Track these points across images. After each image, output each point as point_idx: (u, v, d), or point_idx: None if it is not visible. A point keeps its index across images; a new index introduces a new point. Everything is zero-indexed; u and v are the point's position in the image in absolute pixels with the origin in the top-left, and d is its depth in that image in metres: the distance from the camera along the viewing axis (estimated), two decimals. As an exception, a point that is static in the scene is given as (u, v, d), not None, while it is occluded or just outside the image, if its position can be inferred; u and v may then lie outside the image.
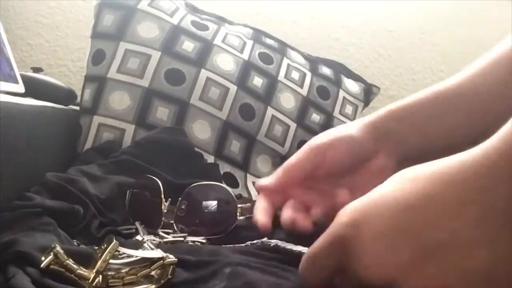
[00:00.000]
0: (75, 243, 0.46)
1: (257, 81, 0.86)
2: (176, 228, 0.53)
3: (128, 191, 0.57)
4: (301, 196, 0.48)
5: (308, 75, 0.93)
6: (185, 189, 0.54)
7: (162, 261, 0.32)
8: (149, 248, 0.36)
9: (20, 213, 0.45)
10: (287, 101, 0.88)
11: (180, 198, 0.53)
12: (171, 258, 0.33)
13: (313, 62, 0.98)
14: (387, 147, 0.46)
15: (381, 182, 0.40)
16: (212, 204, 0.55)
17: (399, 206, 0.27)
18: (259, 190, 0.49)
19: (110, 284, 0.31)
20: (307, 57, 0.99)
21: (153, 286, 0.31)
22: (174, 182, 0.64)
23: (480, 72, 0.44)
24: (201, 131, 0.80)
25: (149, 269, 0.32)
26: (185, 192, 0.54)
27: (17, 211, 0.45)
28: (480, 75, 0.44)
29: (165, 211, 0.53)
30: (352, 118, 0.96)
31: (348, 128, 0.48)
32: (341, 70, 1.01)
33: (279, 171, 0.49)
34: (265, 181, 0.49)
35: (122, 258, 0.34)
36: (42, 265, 0.32)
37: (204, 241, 0.49)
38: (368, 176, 0.46)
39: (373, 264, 0.27)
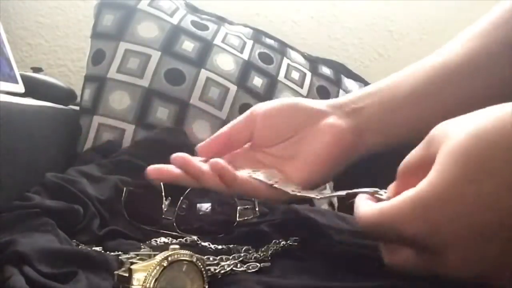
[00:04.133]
0: (74, 243, 0.46)
1: (257, 81, 0.86)
2: (176, 227, 0.53)
3: (124, 189, 0.56)
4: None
5: (308, 75, 0.93)
6: (184, 189, 0.54)
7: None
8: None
9: (19, 214, 0.45)
10: (287, 101, 0.88)
11: (182, 198, 0.53)
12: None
13: (313, 62, 0.98)
14: (342, 114, 0.44)
15: (328, 140, 0.40)
16: (213, 204, 0.55)
17: None
18: (199, 153, 0.46)
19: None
20: (307, 57, 0.99)
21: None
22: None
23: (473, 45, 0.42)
24: (201, 131, 0.80)
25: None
26: (187, 192, 0.54)
27: (16, 211, 0.45)
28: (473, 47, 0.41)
29: (165, 209, 0.53)
30: (352, 118, 0.96)
31: (309, 101, 0.46)
32: (341, 70, 1.01)
33: (211, 139, 0.46)
34: (204, 142, 0.46)
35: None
36: None
37: (212, 246, 0.49)
38: (313, 134, 0.44)
39: None
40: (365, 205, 0.31)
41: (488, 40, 0.41)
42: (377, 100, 0.44)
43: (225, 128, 0.46)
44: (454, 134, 0.27)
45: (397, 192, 0.30)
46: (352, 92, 0.47)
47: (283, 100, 0.47)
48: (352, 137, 0.43)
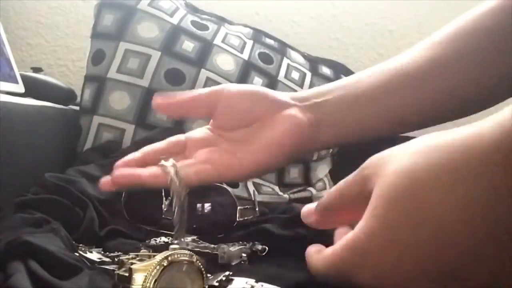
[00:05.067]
0: (74, 243, 0.46)
1: (257, 81, 0.86)
2: (176, 227, 0.53)
3: (124, 191, 0.56)
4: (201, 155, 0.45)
5: (308, 75, 0.93)
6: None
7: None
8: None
9: (22, 217, 0.45)
10: (287, 101, 0.88)
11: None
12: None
13: (313, 62, 0.98)
14: (304, 107, 0.45)
15: (286, 128, 0.41)
16: (213, 204, 0.55)
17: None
18: (156, 104, 0.45)
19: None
20: (307, 57, 0.99)
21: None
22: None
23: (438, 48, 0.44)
24: (201, 131, 0.80)
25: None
26: (187, 192, 0.54)
27: (18, 215, 0.45)
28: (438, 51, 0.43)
29: (165, 210, 0.54)
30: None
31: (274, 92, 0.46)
32: (341, 70, 1.01)
33: (177, 97, 0.45)
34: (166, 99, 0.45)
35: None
36: None
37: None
38: (272, 122, 0.44)
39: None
40: (314, 252, 0.32)
41: (445, 50, 0.43)
42: (337, 96, 0.45)
43: (187, 94, 0.46)
44: (384, 173, 0.27)
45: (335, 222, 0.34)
46: (318, 86, 0.47)
47: (248, 86, 0.47)
48: (310, 129, 0.44)
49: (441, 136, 0.26)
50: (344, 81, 0.47)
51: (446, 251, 0.24)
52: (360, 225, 0.27)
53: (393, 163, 0.27)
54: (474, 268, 0.23)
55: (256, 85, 0.49)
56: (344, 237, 0.29)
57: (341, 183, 0.32)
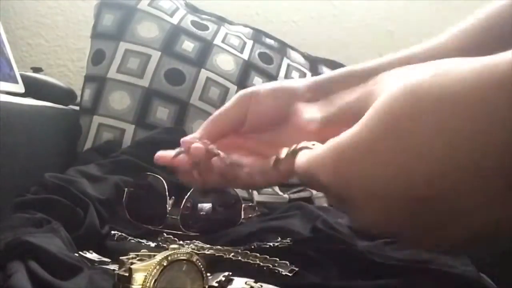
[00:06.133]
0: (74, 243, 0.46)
1: (257, 81, 0.86)
2: (180, 226, 0.53)
3: (125, 190, 0.56)
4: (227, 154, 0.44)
5: (308, 75, 0.93)
6: (186, 188, 0.54)
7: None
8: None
9: (22, 217, 0.45)
10: (287, 101, 0.88)
11: (186, 196, 0.54)
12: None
13: (313, 62, 0.98)
14: (321, 102, 0.43)
15: (304, 139, 0.40)
16: (217, 203, 0.56)
17: None
18: (185, 146, 0.45)
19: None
20: (307, 57, 0.99)
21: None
22: (175, 181, 0.63)
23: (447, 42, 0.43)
24: (201, 131, 0.80)
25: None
26: (191, 191, 0.54)
27: (18, 215, 0.45)
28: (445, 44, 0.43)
29: (169, 208, 0.54)
30: (352, 118, 0.96)
31: (291, 81, 0.45)
32: (341, 70, 1.01)
33: (206, 123, 0.45)
34: (191, 136, 0.45)
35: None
36: None
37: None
38: (292, 131, 0.43)
39: None
40: (302, 153, 0.30)
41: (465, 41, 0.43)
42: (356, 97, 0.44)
43: (217, 116, 0.45)
44: (388, 88, 0.25)
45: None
46: (336, 73, 0.45)
47: (276, 83, 0.45)
48: (323, 135, 0.43)
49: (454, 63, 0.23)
50: (365, 68, 0.45)
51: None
52: (347, 131, 0.26)
53: (398, 80, 0.25)
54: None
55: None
56: (329, 140, 0.27)
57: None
